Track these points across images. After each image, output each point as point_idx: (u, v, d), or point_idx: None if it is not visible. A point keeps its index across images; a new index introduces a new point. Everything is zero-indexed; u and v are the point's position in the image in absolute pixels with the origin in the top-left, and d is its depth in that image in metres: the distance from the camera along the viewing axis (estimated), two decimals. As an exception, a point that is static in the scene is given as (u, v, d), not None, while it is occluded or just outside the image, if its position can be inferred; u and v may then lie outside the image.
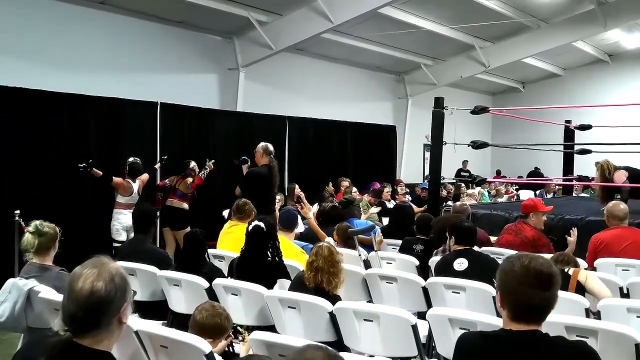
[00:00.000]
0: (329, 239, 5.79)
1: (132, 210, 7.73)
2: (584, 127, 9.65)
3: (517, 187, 14.43)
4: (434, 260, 5.29)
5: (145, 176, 8.17)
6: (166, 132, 9.76)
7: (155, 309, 4.51)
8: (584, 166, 10.13)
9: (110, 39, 9.68)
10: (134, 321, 3.06)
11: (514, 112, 13.62)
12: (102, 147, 8.78)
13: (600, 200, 7.20)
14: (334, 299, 3.72)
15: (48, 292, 3.57)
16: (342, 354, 2.60)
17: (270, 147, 7.26)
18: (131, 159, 8.25)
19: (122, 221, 7.86)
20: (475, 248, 4.72)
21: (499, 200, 12.81)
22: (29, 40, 8.57)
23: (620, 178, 6.93)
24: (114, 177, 7.83)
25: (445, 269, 4.45)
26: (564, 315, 3.05)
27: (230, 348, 3.36)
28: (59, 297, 3.29)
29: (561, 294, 3.52)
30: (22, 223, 6.50)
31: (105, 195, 8.07)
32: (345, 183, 10.49)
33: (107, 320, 1.95)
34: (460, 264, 4.39)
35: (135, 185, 7.99)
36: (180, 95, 10.25)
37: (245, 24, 11.02)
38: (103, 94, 8.94)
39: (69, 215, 8.02)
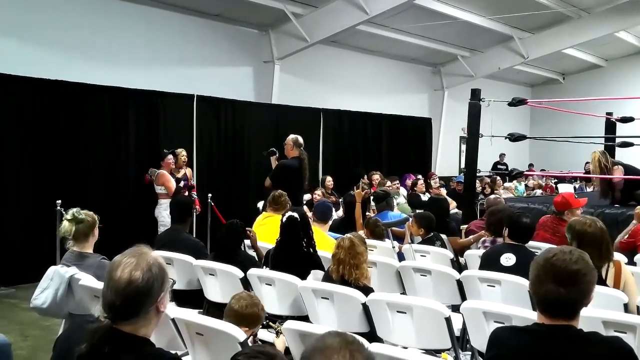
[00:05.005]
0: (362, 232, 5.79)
1: (160, 201, 7.90)
2: (626, 120, 9.39)
3: (555, 180, 14.17)
4: (471, 253, 5.25)
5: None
6: (202, 124, 9.89)
7: (192, 297, 4.59)
8: (626, 159, 9.89)
9: (148, 32, 9.82)
10: (171, 309, 3.12)
11: (553, 104, 13.32)
12: (141, 138, 8.97)
13: (599, 194, 7.22)
14: (366, 290, 3.73)
15: (88, 280, 3.66)
16: (375, 344, 2.62)
17: (300, 139, 7.25)
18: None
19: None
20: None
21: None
22: (69, 34, 8.74)
23: (619, 175, 6.83)
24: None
25: (491, 262, 4.36)
26: (601, 310, 3.00)
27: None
28: (98, 285, 3.38)
29: (599, 288, 3.48)
30: (64, 212, 6.69)
31: (144, 186, 8.23)
32: (376, 176, 10.46)
33: (145, 309, 1.98)
34: (508, 259, 4.28)
35: (154, 175, 8.07)
36: (216, 88, 10.37)
37: (280, 16, 11.05)
38: (141, 86, 9.11)
39: (111, 204, 8.24)
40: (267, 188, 7.15)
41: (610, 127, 9.89)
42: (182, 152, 8.42)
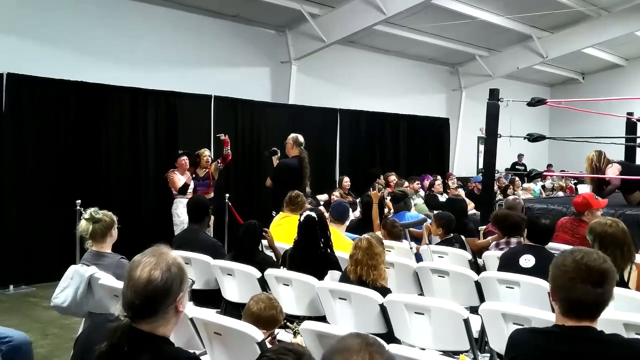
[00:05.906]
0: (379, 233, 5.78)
1: (174, 200, 8.01)
2: (647, 120, 9.29)
3: (575, 181, 14.00)
4: (489, 254, 5.21)
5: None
6: (219, 124, 9.90)
7: (210, 297, 4.61)
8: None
9: (166, 33, 9.90)
10: (189, 309, 3.14)
11: (573, 104, 13.18)
12: (159, 138, 9.03)
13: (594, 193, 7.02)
14: (384, 291, 3.71)
15: (108, 279, 3.69)
16: (392, 345, 2.60)
17: (301, 138, 7.28)
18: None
19: None
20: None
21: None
22: (89, 35, 8.85)
23: (613, 172, 6.70)
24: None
25: (510, 263, 4.32)
26: (622, 312, 2.96)
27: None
28: (118, 284, 3.41)
29: (621, 291, 3.44)
30: (83, 212, 6.76)
31: (163, 185, 8.28)
32: (392, 177, 10.43)
33: (163, 308, 2.00)
34: (527, 260, 4.23)
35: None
36: (233, 88, 10.40)
37: (297, 16, 11.06)
38: (159, 87, 9.18)
39: (130, 204, 8.31)
40: (269, 187, 7.21)
41: (631, 127, 9.77)
42: (205, 152, 8.37)
